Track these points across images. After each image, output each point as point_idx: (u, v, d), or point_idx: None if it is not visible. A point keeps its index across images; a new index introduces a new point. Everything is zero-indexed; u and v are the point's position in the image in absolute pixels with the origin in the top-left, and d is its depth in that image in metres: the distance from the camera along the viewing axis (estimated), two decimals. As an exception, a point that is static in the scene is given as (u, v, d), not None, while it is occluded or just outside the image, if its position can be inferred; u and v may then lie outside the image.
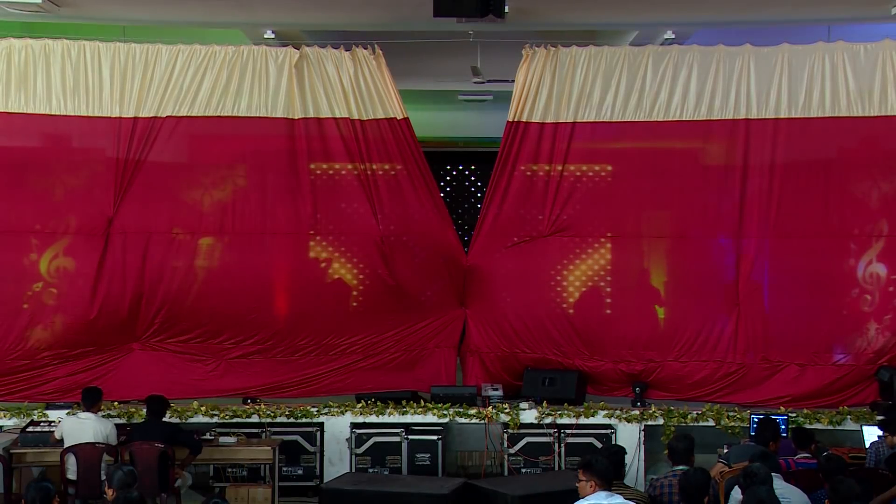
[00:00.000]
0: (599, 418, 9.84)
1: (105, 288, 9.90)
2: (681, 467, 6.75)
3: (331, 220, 10.21)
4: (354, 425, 9.85)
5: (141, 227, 9.95)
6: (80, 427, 8.46)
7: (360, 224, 10.18)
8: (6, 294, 9.90)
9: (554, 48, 10.08)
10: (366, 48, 10.01)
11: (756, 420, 8.78)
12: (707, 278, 10.14)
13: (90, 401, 8.67)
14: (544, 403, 9.93)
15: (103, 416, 8.87)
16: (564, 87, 10.03)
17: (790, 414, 9.50)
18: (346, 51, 10.02)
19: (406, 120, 10.13)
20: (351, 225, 10.22)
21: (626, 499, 5.89)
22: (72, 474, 8.34)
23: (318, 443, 9.86)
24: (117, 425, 8.81)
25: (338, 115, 10.01)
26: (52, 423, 9.16)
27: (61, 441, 8.50)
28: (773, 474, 6.36)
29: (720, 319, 10.04)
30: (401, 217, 10.24)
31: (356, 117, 10.03)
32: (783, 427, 8.82)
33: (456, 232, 10.58)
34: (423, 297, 10.33)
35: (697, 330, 10.03)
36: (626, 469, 8.07)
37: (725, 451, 8.34)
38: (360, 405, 9.95)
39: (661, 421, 9.77)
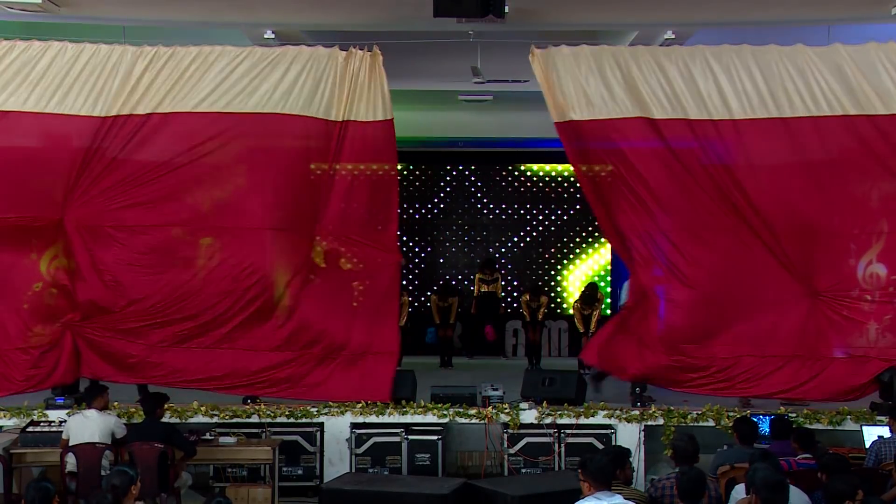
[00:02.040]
0: (599, 418, 9.84)
1: (99, 287, 9.91)
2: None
3: (330, 221, 10.16)
4: (354, 425, 9.85)
5: (141, 225, 9.91)
6: (85, 424, 8.46)
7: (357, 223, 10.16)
8: (9, 293, 9.90)
9: (591, 45, 9.97)
10: (363, 48, 9.97)
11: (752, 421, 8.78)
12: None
13: (91, 397, 8.69)
14: (544, 403, 9.93)
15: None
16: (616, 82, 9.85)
17: (790, 414, 9.51)
18: (344, 50, 9.97)
19: (392, 120, 10.10)
20: (351, 225, 10.19)
21: (625, 498, 5.90)
22: (72, 471, 8.35)
23: (318, 443, 9.86)
24: (116, 426, 8.81)
25: (338, 117, 9.97)
26: (52, 423, 9.18)
27: (69, 442, 8.48)
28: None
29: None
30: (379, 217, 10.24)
31: (359, 118, 9.99)
32: (765, 427, 8.91)
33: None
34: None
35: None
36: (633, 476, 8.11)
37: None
38: (360, 405, 9.95)
39: (661, 421, 9.77)
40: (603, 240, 16.77)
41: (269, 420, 9.80)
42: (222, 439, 9.24)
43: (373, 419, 9.87)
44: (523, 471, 9.75)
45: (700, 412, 9.80)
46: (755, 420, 8.81)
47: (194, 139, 9.87)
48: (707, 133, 9.88)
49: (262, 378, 9.98)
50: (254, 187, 9.96)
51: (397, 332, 10.24)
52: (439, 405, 9.92)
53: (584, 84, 9.86)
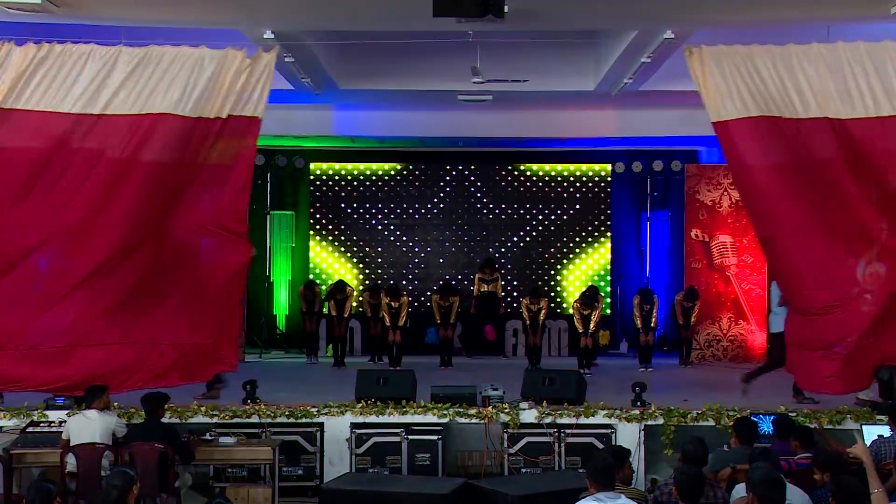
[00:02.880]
0: (599, 418, 9.84)
1: None
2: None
3: (189, 214, 9.96)
4: (354, 425, 9.85)
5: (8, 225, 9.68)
6: (85, 425, 8.46)
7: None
8: None
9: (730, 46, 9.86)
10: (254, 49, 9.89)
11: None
12: None
13: (91, 398, 8.70)
14: (544, 403, 9.94)
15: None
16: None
17: (790, 413, 9.51)
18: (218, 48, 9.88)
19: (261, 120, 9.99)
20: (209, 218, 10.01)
21: (625, 498, 5.91)
22: (72, 471, 8.35)
23: (318, 443, 9.87)
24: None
25: (211, 114, 9.80)
26: (52, 424, 9.18)
27: (69, 442, 8.49)
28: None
29: None
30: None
31: (236, 114, 9.80)
32: (768, 427, 8.99)
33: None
34: None
35: None
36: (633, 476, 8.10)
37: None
38: (360, 405, 9.96)
39: (661, 421, 9.77)
40: (603, 239, 16.84)
41: (269, 420, 9.81)
42: (222, 439, 9.23)
43: (373, 419, 9.87)
44: (523, 471, 9.75)
45: (700, 412, 9.81)
46: (756, 419, 8.81)
47: (46, 139, 9.64)
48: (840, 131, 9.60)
49: (110, 371, 9.69)
50: (116, 187, 9.71)
51: (240, 320, 10.19)
52: (439, 405, 9.93)
53: (737, 83, 9.65)
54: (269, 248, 16.85)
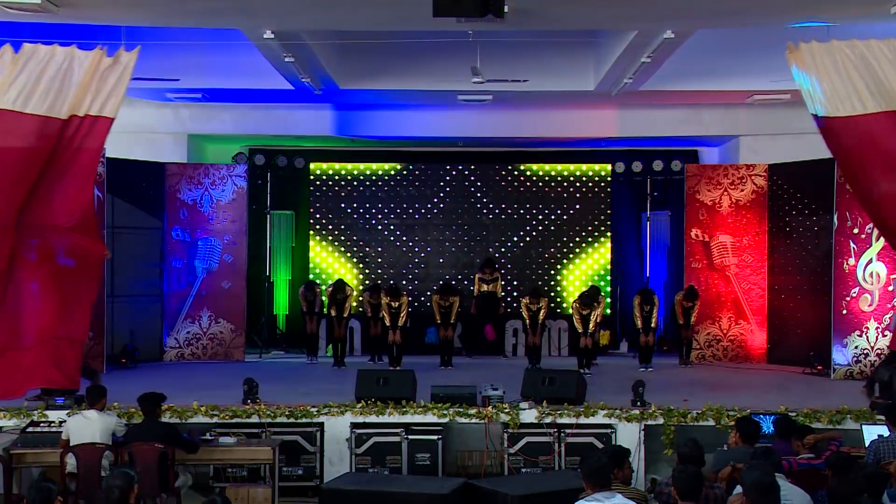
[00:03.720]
0: (599, 418, 9.85)
1: None
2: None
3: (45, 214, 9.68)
4: (354, 425, 9.86)
5: None
6: (85, 425, 8.47)
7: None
8: None
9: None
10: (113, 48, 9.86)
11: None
12: None
13: (93, 398, 8.69)
14: (544, 403, 9.94)
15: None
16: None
17: (790, 413, 9.51)
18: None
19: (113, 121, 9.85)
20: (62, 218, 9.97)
21: (624, 498, 5.90)
22: (72, 471, 8.35)
23: (318, 443, 9.88)
24: (116, 426, 8.81)
25: (68, 114, 9.71)
26: (52, 424, 9.17)
27: (69, 442, 8.49)
28: (775, 474, 6.36)
29: None
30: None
31: (92, 113, 9.70)
32: (768, 427, 8.99)
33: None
34: None
35: None
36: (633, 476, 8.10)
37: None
38: (360, 405, 9.96)
39: (661, 421, 9.78)
40: (603, 239, 16.84)
41: (269, 420, 9.81)
42: (222, 439, 9.24)
43: (373, 419, 9.87)
44: (523, 470, 9.76)
45: (700, 412, 9.81)
46: (757, 419, 8.82)
47: None
48: None
49: None
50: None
51: (89, 321, 9.98)
52: (439, 405, 9.93)
53: (840, 79, 9.44)
54: (269, 248, 16.85)
